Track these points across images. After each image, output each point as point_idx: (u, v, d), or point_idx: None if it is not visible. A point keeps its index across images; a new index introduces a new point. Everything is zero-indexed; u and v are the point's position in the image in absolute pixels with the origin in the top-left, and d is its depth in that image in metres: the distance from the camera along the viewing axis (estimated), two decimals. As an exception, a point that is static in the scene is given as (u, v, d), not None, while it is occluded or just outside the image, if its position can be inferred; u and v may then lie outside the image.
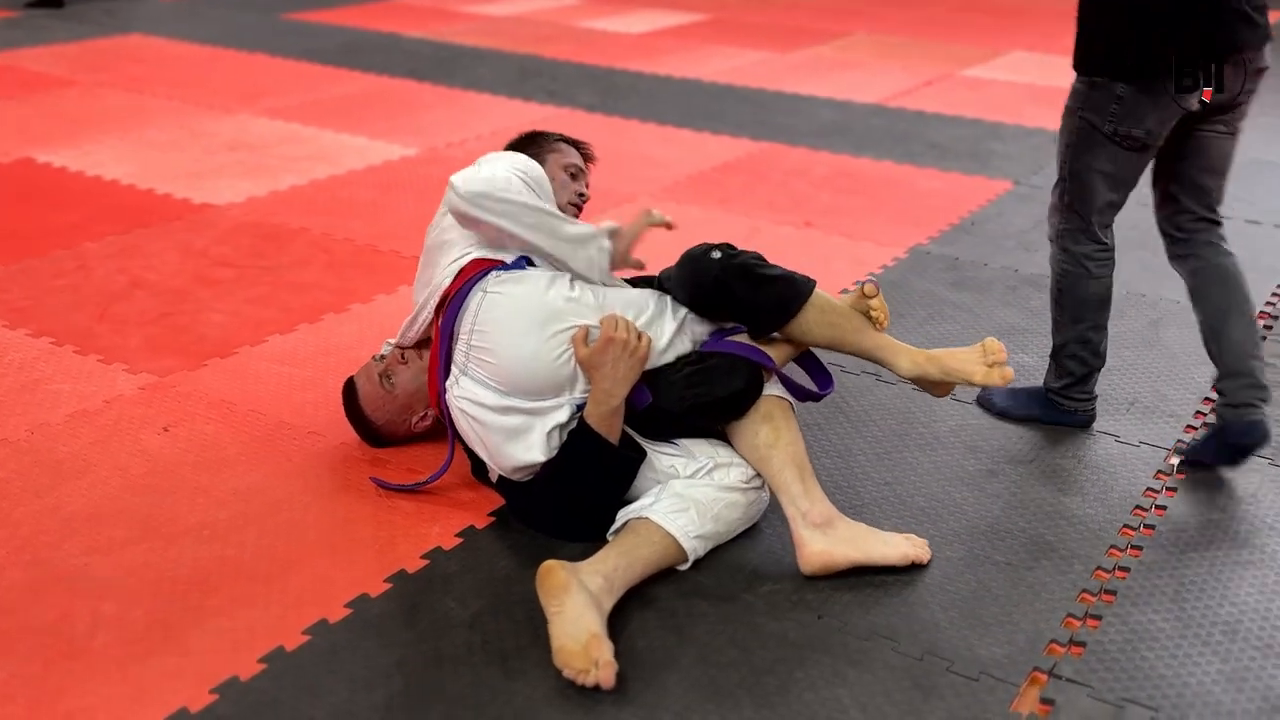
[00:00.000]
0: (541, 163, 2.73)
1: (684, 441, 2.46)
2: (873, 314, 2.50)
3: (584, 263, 2.49)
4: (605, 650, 2.05)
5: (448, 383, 2.43)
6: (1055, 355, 2.92)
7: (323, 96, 6.27)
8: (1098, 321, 2.86)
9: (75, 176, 4.82)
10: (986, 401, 3.04)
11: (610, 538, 2.36)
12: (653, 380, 2.41)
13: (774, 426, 2.40)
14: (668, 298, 2.53)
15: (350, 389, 2.75)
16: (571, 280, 2.48)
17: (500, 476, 2.47)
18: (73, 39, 7.61)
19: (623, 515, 2.37)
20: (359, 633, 2.17)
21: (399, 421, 2.73)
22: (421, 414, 2.73)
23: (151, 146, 5.26)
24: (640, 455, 2.40)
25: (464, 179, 2.45)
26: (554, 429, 2.36)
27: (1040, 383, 3.01)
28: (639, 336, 2.36)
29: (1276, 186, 4.93)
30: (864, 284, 2.51)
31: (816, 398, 2.57)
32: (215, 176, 4.84)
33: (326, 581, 2.31)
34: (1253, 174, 4.88)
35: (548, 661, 2.08)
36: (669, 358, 2.45)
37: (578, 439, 2.35)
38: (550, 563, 2.16)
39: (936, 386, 2.53)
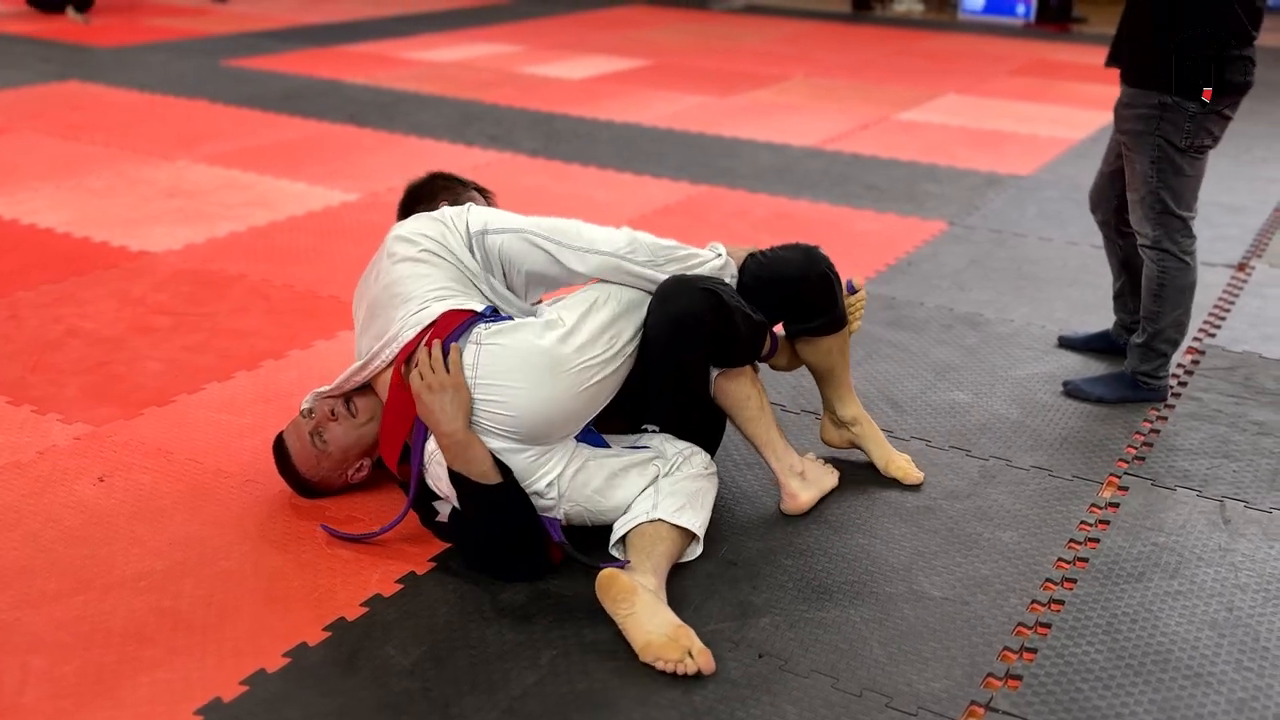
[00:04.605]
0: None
1: (652, 442, 2.59)
2: (852, 311, 2.84)
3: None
4: (695, 638, 2.18)
5: None
6: (1148, 343, 3.29)
7: (263, 142, 6.25)
8: (1189, 304, 3.26)
9: (9, 224, 4.76)
10: (1079, 391, 3.37)
11: (614, 550, 2.46)
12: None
13: (759, 392, 2.69)
14: (642, 310, 2.53)
15: (281, 448, 2.70)
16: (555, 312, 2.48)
17: (451, 515, 2.47)
18: (8, 86, 7.53)
19: (625, 524, 2.45)
20: (297, 682, 2.15)
21: (334, 476, 2.70)
22: (357, 465, 2.70)
23: (88, 194, 5.22)
24: (509, 479, 2.37)
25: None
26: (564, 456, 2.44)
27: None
28: (440, 369, 2.37)
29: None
30: (851, 280, 2.84)
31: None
32: (153, 223, 4.81)
33: (265, 631, 2.28)
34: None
35: (489, 707, 2.07)
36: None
37: (455, 483, 2.37)
38: (609, 570, 2.27)
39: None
